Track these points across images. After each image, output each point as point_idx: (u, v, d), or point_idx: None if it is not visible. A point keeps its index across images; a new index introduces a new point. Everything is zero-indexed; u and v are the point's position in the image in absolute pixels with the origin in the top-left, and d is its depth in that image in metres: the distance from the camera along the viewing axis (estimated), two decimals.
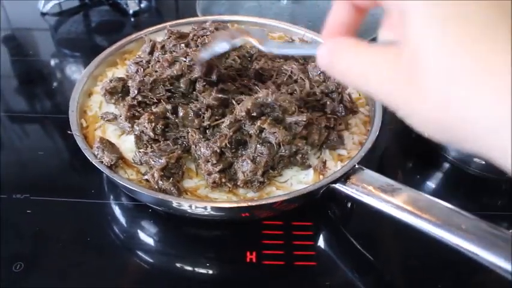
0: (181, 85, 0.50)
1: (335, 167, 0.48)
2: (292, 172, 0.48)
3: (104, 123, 0.52)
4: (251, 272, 0.46)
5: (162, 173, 0.44)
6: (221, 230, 0.51)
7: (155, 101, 0.49)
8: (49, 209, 0.52)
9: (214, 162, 0.44)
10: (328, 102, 0.51)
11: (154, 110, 0.48)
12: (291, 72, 0.54)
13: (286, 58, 0.57)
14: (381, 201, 0.41)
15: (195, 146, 0.46)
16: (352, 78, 0.25)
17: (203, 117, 0.47)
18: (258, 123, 0.45)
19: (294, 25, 0.69)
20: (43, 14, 0.97)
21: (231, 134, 0.45)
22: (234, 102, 0.48)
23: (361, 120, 0.55)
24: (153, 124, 0.47)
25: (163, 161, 0.44)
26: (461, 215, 0.37)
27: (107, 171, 0.45)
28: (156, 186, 0.44)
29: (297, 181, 0.47)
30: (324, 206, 0.53)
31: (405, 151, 0.65)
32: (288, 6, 0.93)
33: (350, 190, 0.43)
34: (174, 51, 0.56)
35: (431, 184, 0.58)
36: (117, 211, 0.53)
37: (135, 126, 0.48)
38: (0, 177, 0.56)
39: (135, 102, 0.49)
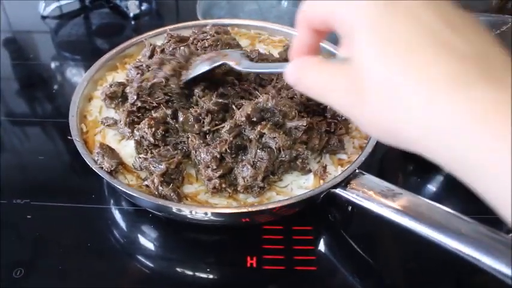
0: (172, 85, 0.49)
1: (335, 172, 0.48)
2: (292, 177, 0.47)
3: (104, 128, 0.52)
4: (251, 276, 0.46)
5: (162, 179, 0.44)
6: (221, 234, 0.51)
7: (155, 105, 0.49)
8: (49, 214, 0.52)
9: (215, 167, 0.44)
10: (328, 107, 0.50)
11: (154, 115, 0.48)
12: None
13: None
14: (382, 206, 0.41)
15: (195, 151, 0.46)
16: (316, 91, 0.28)
17: (203, 122, 0.47)
18: (258, 128, 0.45)
19: (294, 28, 0.69)
20: (43, 17, 0.97)
21: (231, 139, 0.45)
22: (234, 107, 0.48)
23: None
24: (153, 129, 0.46)
25: (163, 166, 0.44)
26: (460, 220, 0.37)
27: (107, 177, 0.45)
28: (156, 192, 0.44)
29: (297, 186, 0.47)
30: (324, 210, 0.53)
31: (405, 154, 0.64)
32: (289, 9, 0.93)
33: (350, 195, 0.43)
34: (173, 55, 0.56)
35: (431, 187, 0.58)
36: (118, 216, 0.53)
37: (135, 131, 0.48)
38: (1, 183, 0.56)
39: (134, 108, 0.49)
